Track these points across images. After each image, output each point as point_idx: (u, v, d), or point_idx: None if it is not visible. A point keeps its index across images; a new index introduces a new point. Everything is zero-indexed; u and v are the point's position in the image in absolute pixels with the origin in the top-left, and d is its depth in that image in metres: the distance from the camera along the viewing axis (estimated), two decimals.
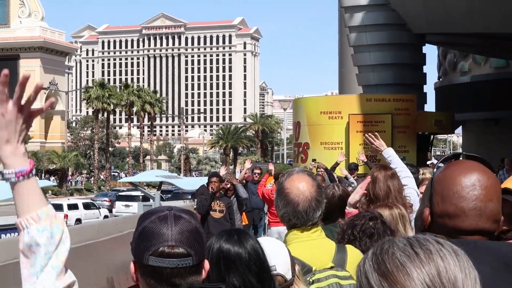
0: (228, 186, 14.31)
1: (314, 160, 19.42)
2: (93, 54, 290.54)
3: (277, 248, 3.15)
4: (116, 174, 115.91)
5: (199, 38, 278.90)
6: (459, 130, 55.16)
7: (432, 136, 40.07)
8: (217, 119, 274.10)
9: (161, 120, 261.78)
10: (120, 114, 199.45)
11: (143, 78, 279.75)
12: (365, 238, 4.15)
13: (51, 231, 2.05)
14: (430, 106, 47.14)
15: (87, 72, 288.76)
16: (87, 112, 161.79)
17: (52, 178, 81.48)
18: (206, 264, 2.20)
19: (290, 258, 3.14)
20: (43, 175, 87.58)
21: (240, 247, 2.71)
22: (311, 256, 3.51)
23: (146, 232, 2.15)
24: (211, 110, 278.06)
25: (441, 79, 54.79)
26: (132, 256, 2.21)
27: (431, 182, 2.25)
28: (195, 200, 13.87)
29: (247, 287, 2.65)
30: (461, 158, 2.44)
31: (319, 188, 3.62)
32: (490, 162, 2.35)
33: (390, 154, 6.54)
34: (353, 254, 3.65)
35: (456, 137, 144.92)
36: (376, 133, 6.97)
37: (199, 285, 2.12)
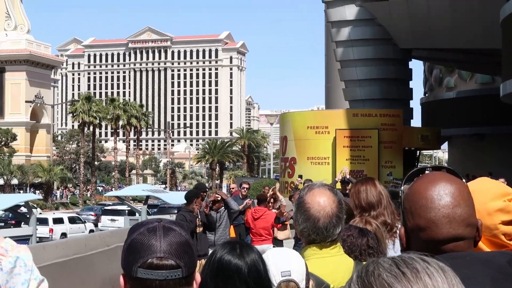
0: (219, 198, 14.34)
1: (300, 176, 19.40)
2: (79, 68, 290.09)
3: (293, 256, 3.14)
4: (101, 188, 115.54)
5: (185, 52, 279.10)
6: (445, 145, 55.38)
7: (418, 152, 40.17)
8: (203, 133, 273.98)
9: (147, 134, 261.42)
10: (106, 128, 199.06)
11: (129, 92, 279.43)
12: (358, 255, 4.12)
13: (22, 258, 2.01)
14: (416, 121, 47.37)
15: (73, 86, 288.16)
16: (73, 125, 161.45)
17: (38, 192, 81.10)
18: (198, 277, 2.16)
19: (306, 270, 3.10)
20: (28, 188, 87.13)
21: (241, 260, 2.66)
22: (329, 273, 3.44)
23: (135, 244, 2.10)
24: (197, 124, 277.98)
25: (427, 95, 55.05)
26: (121, 269, 2.17)
27: (401, 201, 2.28)
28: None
29: None
30: (427, 171, 2.44)
31: (340, 204, 3.55)
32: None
33: None
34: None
35: (442, 153, 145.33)
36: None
37: None
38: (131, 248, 2.11)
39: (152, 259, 2.06)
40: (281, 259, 3.08)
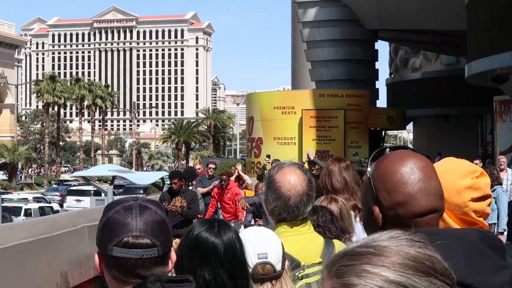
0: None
1: (268, 156, 19.36)
2: (43, 47, 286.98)
3: (270, 238, 3.13)
4: (67, 168, 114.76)
5: (151, 32, 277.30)
6: (410, 126, 55.77)
7: (384, 132, 40.39)
8: (169, 114, 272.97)
9: (112, 115, 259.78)
10: (71, 108, 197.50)
11: (94, 72, 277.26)
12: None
13: None
14: (382, 102, 47.61)
15: (37, 66, 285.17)
16: (37, 105, 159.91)
17: (1, 172, 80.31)
18: (173, 256, 2.15)
19: (283, 251, 3.09)
20: None
21: (218, 239, 2.64)
22: (299, 250, 3.46)
23: (111, 223, 2.07)
24: (163, 104, 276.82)
25: (392, 76, 55.30)
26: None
27: (369, 181, 2.26)
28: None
29: (217, 283, 2.59)
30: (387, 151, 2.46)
31: (310, 182, 3.55)
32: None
33: None
34: (341, 249, 3.58)
35: (407, 133, 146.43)
36: None
37: (166, 277, 2.06)
38: (106, 227, 2.09)
39: (128, 238, 2.04)
40: (258, 241, 3.06)
